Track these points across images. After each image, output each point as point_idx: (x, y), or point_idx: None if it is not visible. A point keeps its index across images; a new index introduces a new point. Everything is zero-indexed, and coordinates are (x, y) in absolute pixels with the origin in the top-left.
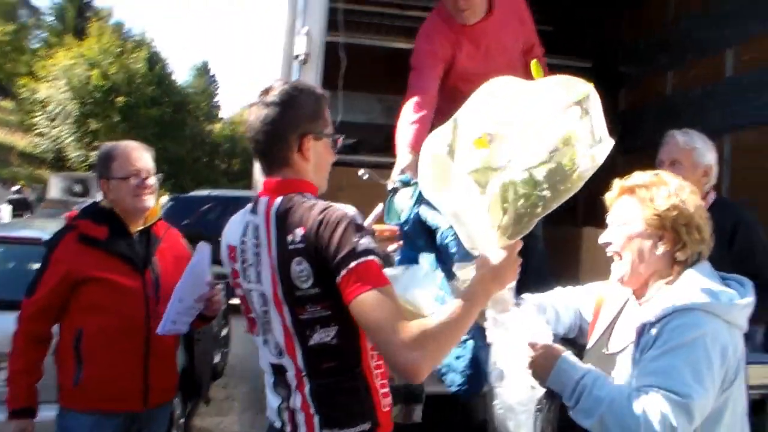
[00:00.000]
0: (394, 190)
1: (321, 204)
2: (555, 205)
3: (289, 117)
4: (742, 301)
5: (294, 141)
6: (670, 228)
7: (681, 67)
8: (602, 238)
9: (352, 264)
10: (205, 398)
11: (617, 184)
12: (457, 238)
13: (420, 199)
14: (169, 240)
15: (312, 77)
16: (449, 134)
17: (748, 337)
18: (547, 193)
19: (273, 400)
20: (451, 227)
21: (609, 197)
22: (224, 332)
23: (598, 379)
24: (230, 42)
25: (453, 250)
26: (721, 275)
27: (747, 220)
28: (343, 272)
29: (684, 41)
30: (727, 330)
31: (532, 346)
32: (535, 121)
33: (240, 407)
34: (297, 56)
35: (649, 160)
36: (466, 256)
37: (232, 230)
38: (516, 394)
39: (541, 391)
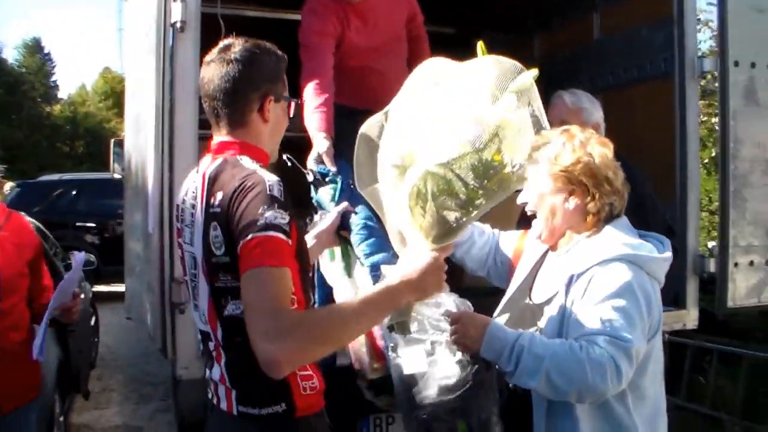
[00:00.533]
0: (315, 183)
1: (247, 170)
2: (487, 206)
3: (251, 75)
4: (662, 255)
5: (255, 101)
6: (578, 182)
7: (549, 29)
8: (520, 198)
9: (250, 236)
10: (84, 392)
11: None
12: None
13: (339, 201)
14: (10, 228)
15: (189, 46)
16: (377, 129)
17: None
18: (478, 194)
19: (204, 369)
20: (360, 230)
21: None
22: (92, 321)
23: (533, 338)
24: (64, 16)
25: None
26: (639, 232)
27: (636, 176)
28: (241, 243)
29: (551, 4)
30: (649, 282)
31: (455, 318)
32: (461, 112)
33: (119, 398)
34: (174, 23)
35: None
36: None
37: (182, 190)
38: (442, 386)
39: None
